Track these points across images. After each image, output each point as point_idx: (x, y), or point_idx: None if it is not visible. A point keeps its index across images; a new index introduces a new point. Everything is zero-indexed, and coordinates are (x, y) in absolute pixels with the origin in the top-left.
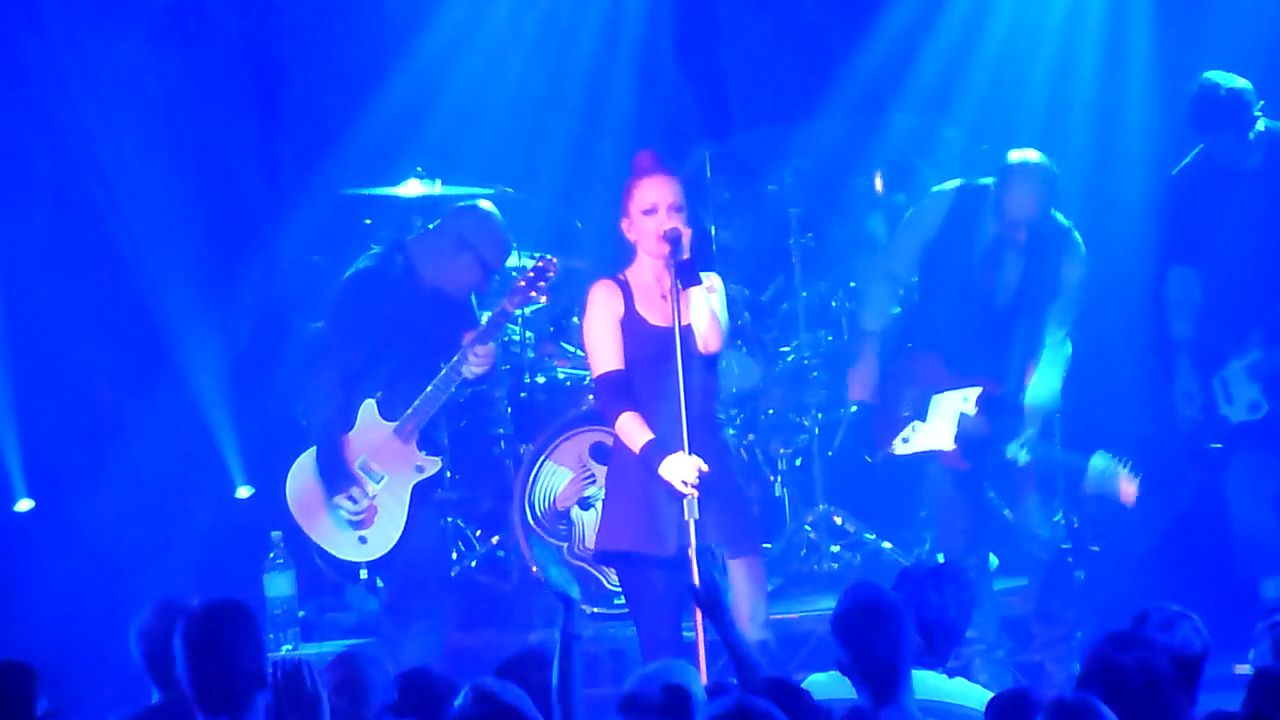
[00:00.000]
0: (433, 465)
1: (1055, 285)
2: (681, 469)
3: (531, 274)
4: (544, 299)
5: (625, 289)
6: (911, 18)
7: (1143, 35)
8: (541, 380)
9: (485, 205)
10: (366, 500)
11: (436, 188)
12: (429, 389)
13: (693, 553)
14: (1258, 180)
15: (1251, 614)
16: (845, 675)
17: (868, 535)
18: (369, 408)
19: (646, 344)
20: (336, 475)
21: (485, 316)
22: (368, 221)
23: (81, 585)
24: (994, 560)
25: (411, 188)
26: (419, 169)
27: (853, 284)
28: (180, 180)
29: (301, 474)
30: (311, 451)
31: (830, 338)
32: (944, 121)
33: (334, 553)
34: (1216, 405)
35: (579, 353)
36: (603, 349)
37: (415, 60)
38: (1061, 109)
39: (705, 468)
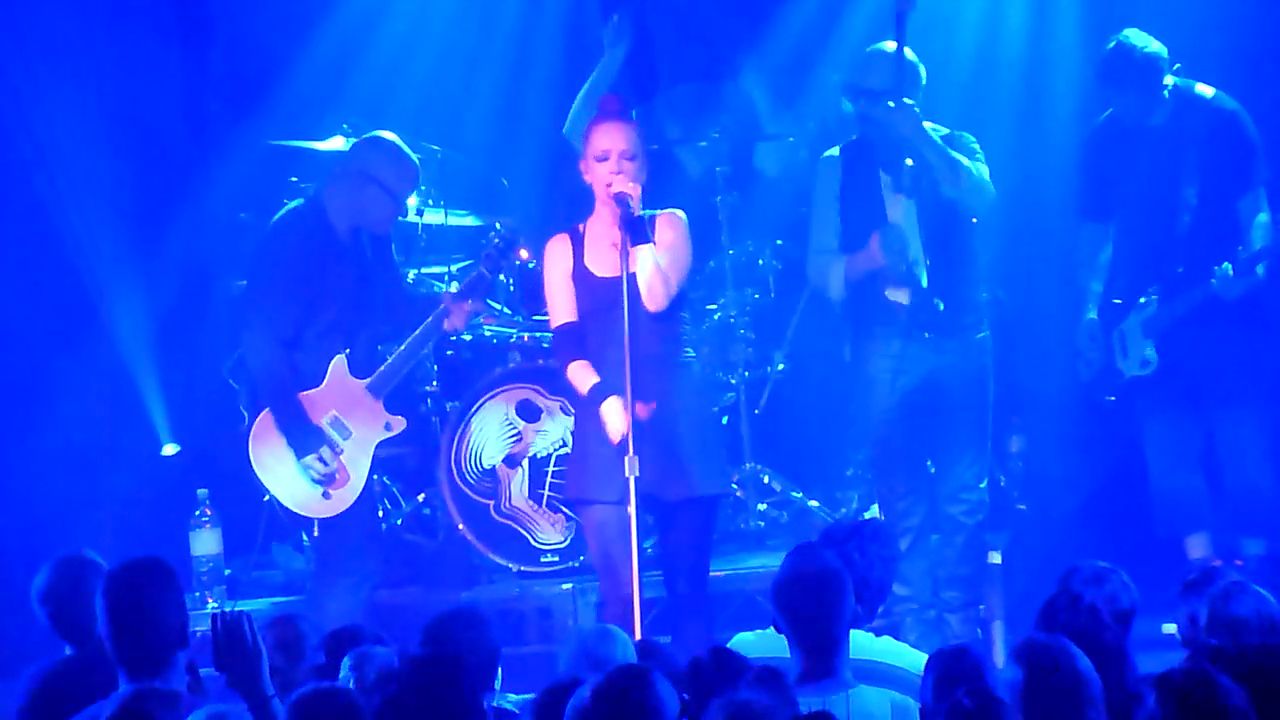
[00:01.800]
0: (399, 424)
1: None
2: (614, 416)
3: (499, 242)
4: (525, 254)
5: (577, 242)
6: None
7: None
8: (468, 338)
9: (383, 135)
10: (335, 460)
11: None
12: (403, 347)
13: (631, 510)
14: (1163, 137)
15: (1176, 573)
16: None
17: (794, 494)
18: (339, 363)
19: (595, 295)
20: (303, 435)
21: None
22: (294, 179)
23: (5, 542)
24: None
25: (338, 143)
26: (345, 125)
27: (780, 242)
28: (104, 135)
29: (264, 431)
30: (264, 415)
31: (757, 296)
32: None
33: (297, 509)
34: (1114, 359)
35: (505, 310)
36: (556, 302)
37: (342, 14)
38: (989, 70)
39: (643, 414)
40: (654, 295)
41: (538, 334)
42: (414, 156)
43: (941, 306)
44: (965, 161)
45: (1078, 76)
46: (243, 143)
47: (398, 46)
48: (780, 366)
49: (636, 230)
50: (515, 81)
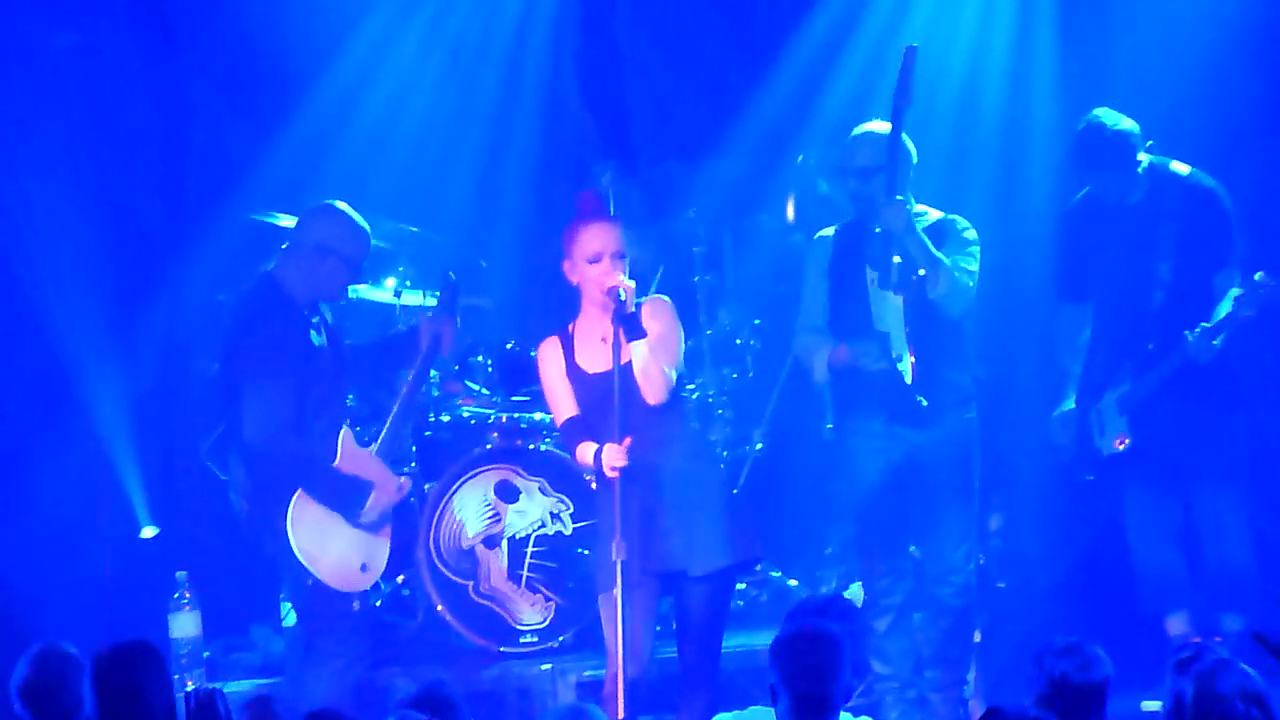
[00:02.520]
0: (407, 484)
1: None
2: (607, 454)
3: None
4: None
5: (567, 342)
6: (815, 56)
7: (1047, 78)
8: (446, 419)
9: (334, 204)
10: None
11: None
12: (395, 407)
13: (617, 592)
14: (1139, 214)
15: (1157, 650)
16: (773, 703)
17: (774, 573)
18: (347, 435)
19: (590, 392)
20: (351, 493)
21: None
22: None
23: None
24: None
25: None
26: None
27: (757, 321)
28: (81, 213)
29: (303, 514)
30: (300, 498)
31: (735, 375)
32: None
33: (342, 587)
34: (1091, 437)
35: (484, 391)
36: (556, 400)
37: (321, 95)
38: (965, 148)
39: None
40: (653, 389)
41: (516, 414)
42: (364, 223)
43: (925, 403)
44: (947, 261)
45: (1056, 154)
46: (221, 222)
47: (376, 126)
48: (759, 445)
49: (632, 327)
50: (493, 163)
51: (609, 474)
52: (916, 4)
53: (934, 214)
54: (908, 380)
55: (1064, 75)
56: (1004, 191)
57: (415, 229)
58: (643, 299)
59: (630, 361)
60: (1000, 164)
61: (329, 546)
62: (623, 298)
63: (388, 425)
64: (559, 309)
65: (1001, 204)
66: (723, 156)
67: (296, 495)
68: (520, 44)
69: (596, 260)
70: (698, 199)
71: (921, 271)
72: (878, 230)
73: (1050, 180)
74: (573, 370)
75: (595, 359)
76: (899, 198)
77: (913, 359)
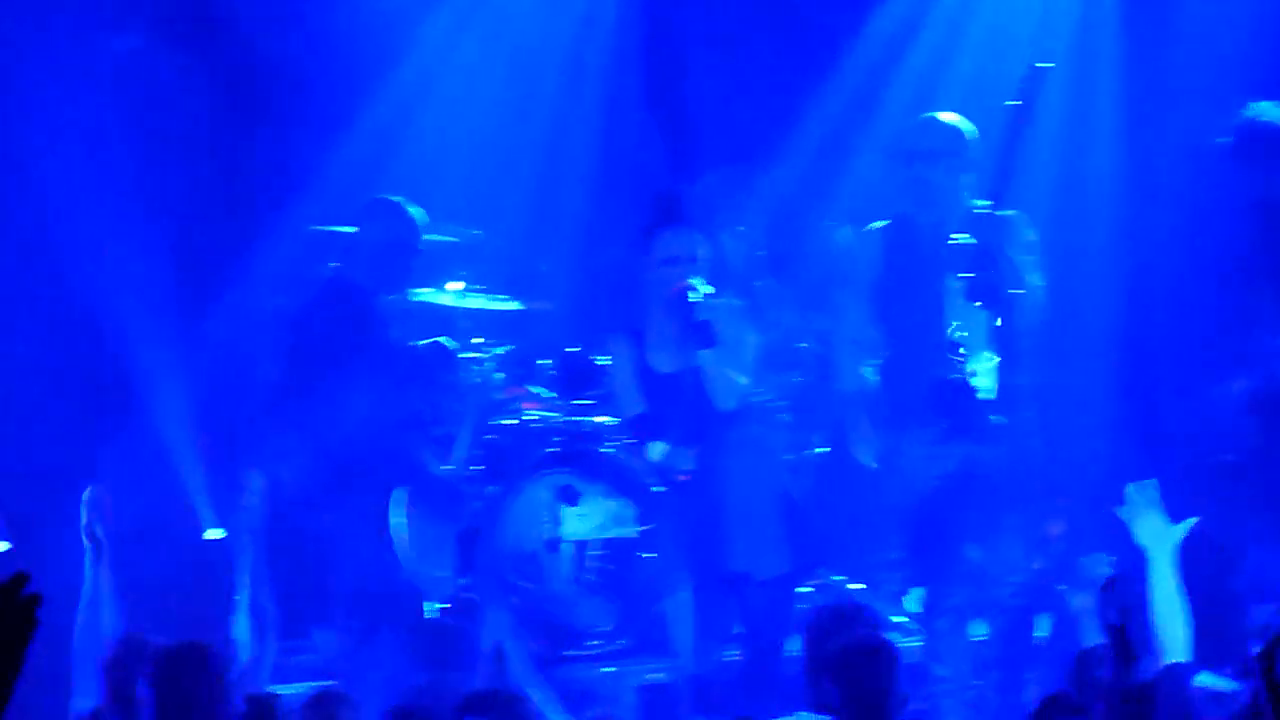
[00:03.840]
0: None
1: None
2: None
3: None
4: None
5: (638, 342)
6: (877, 59)
7: (1110, 79)
8: (508, 422)
9: (386, 199)
10: None
11: None
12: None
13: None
14: None
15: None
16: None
17: (836, 577)
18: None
19: (659, 392)
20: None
21: None
22: (334, 264)
23: (48, 625)
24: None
25: None
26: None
27: (819, 325)
28: (145, 220)
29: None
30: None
31: (798, 379)
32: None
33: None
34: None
35: (546, 394)
36: (625, 398)
37: (382, 101)
38: (1027, 153)
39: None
40: (722, 394)
41: (578, 418)
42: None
43: (1003, 422)
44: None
45: (1117, 155)
46: (283, 228)
47: (438, 131)
48: (820, 450)
49: (702, 332)
50: (554, 165)
51: (676, 478)
52: (978, 10)
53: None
54: (987, 396)
55: (1127, 77)
56: (1066, 190)
57: (477, 232)
58: (715, 303)
59: (700, 365)
60: (1061, 164)
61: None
62: (694, 301)
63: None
64: (621, 312)
65: (1063, 202)
66: (785, 160)
67: (401, 493)
68: (582, 46)
69: (671, 263)
70: (760, 202)
71: (1018, 290)
72: (972, 241)
73: (1112, 178)
74: (643, 369)
75: (666, 360)
76: (987, 202)
77: (992, 374)
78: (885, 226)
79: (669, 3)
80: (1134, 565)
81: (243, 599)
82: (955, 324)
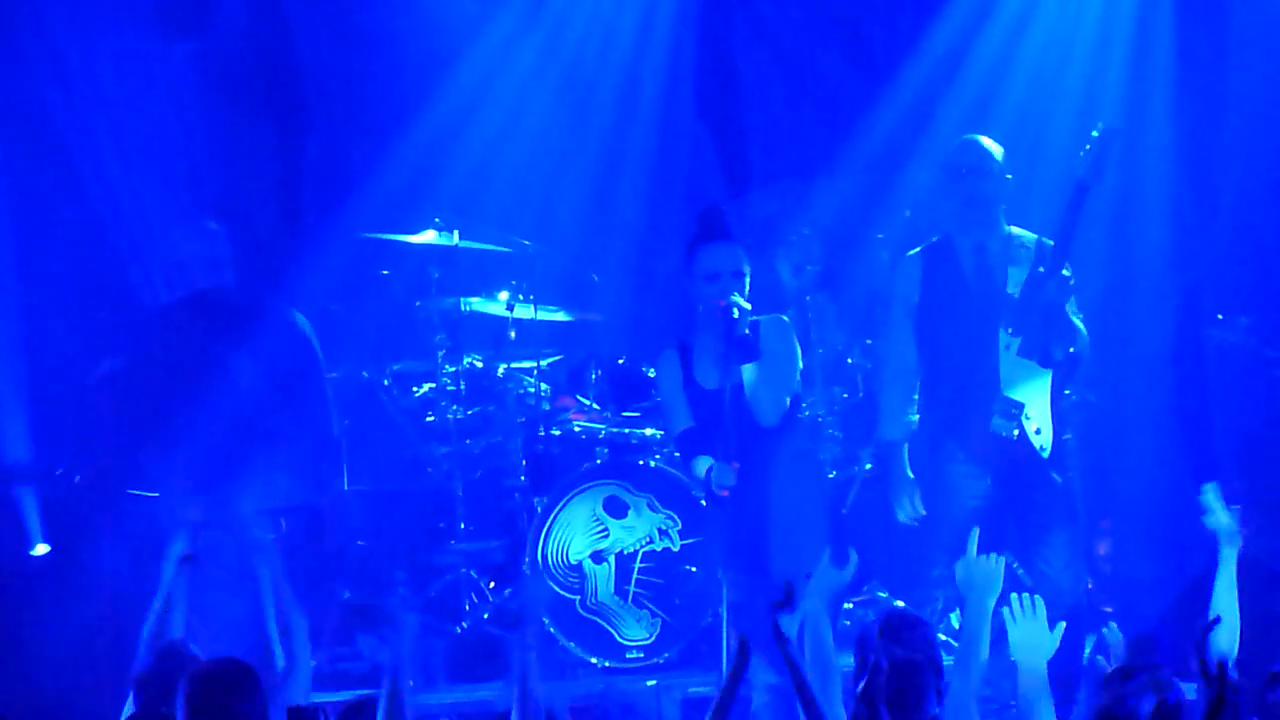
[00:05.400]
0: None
1: None
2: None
3: None
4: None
5: (686, 355)
6: (930, 76)
7: (1165, 97)
8: (556, 433)
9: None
10: None
11: (454, 238)
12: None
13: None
14: None
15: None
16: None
17: (881, 593)
18: None
19: (705, 407)
20: None
21: None
22: (385, 272)
23: (94, 633)
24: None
25: (429, 237)
26: (437, 219)
27: (869, 341)
28: (198, 226)
29: None
30: None
31: (845, 395)
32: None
33: None
34: None
35: (594, 406)
36: (672, 413)
37: (436, 108)
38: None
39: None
40: (765, 410)
41: (626, 430)
42: None
43: (1059, 480)
44: (1084, 331)
45: (1171, 173)
46: (336, 233)
47: (491, 141)
48: (868, 466)
49: (745, 348)
50: (607, 177)
51: (719, 493)
52: (1033, 27)
53: (1029, 235)
54: (1043, 453)
55: (1180, 98)
56: (1116, 210)
57: (527, 242)
58: (759, 319)
59: (743, 380)
60: (1115, 183)
61: None
62: (735, 317)
63: None
64: (671, 324)
65: (1114, 223)
66: (837, 175)
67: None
68: (637, 59)
69: (714, 278)
70: (811, 217)
71: (1072, 349)
72: (1029, 296)
73: (1165, 198)
74: (690, 384)
75: (711, 375)
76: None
77: (1051, 432)
78: (926, 249)
79: (724, 17)
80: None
81: (270, 612)
82: (1008, 377)
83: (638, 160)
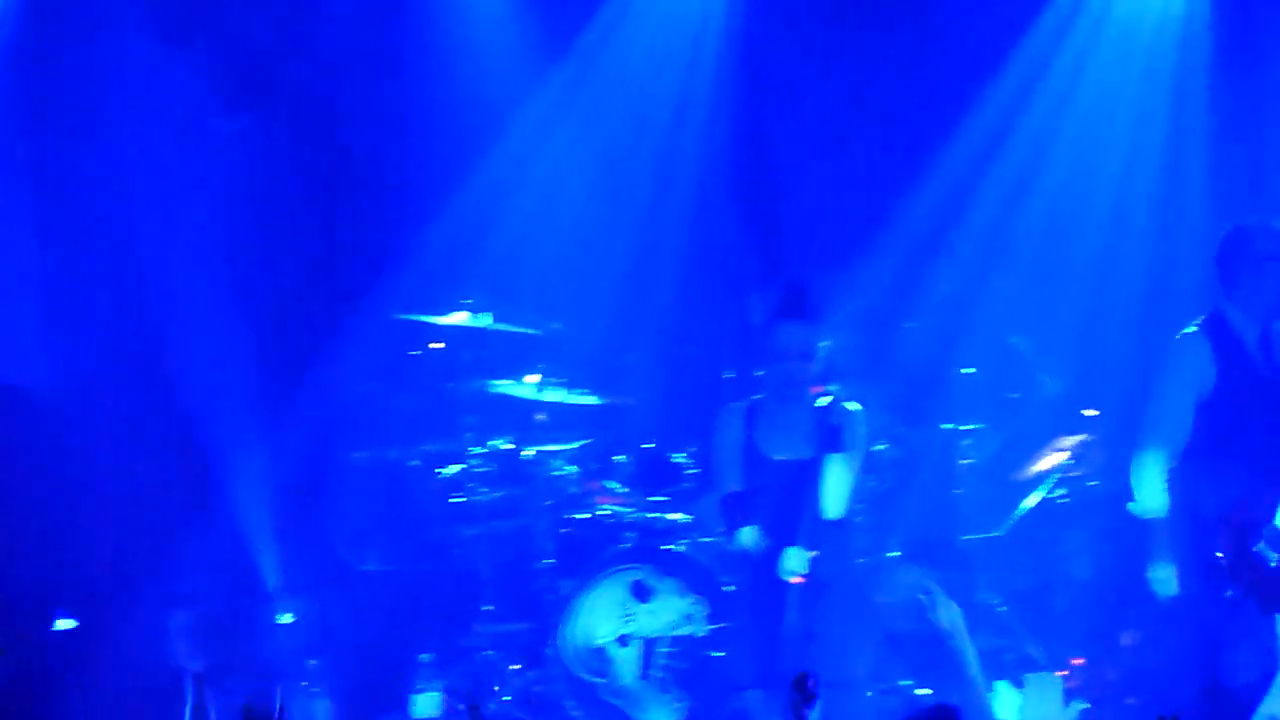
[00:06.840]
0: None
1: None
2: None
3: None
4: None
5: (750, 417)
6: (965, 166)
7: (1198, 192)
8: (584, 516)
9: None
10: None
11: (487, 320)
12: None
13: None
14: None
15: None
16: None
17: (903, 681)
18: None
19: (763, 477)
20: None
21: None
22: (416, 352)
23: (124, 706)
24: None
25: (460, 318)
26: (469, 300)
27: (900, 429)
28: (233, 303)
29: None
30: None
31: (874, 483)
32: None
33: None
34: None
35: (622, 490)
36: (724, 471)
37: (472, 191)
38: (1114, 261)
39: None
40: (835, 501)
41: (653, 515)
42: None
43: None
44: None
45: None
46: (370, 314)
47: (525, 223)
48: (896, 554)
49: (835, 438)
50: (640, 260)
51: (788, 579)
52: (1067, 120)
53: None
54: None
55: (1216, 180)
56: (1144, 315)
57: (557, 325)
58: (845, 408)
59: (823, 467)
60: (1146, 287)
61: None
62: (829, 405)
63: None
64: (702, 410)
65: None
66: (874, 260)
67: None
68: (672, 143)
69: (790, 356)
70: (843, 304)
71: None
72: None
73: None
74: (750, 449)
75: (775, 445)
76: None
77: None
78: (1207, 329)
79: (760, 100)
80: None
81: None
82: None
83: (671, 244)
